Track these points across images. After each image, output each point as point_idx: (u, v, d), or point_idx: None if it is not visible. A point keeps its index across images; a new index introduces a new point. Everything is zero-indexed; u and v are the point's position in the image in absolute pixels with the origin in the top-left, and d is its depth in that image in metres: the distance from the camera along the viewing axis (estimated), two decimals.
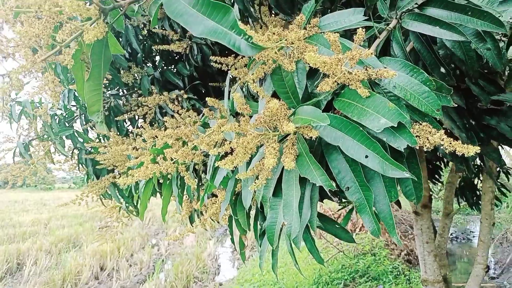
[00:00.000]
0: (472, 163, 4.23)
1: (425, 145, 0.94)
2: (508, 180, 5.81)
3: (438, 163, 4.59)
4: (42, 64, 0.86)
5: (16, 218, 17.69)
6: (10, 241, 13.15)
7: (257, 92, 1.14)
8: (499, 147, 3.34)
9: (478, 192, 4.78)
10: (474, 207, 4.87)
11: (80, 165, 3.53)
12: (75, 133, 3.35)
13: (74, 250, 12.25)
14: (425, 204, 3.69)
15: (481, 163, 3.90)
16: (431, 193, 4.15)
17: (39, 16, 0.93)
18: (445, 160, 4.51)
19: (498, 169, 4.25)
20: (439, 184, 5.03)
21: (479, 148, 0.85)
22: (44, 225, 16.46)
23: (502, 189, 5.06)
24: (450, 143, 0.91)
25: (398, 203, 3.10)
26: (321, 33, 1.17)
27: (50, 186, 46.24)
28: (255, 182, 1.04)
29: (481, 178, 4.19)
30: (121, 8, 1.01)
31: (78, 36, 0.92)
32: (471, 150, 0.87)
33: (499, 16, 1.09)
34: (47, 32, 0.85)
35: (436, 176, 4.65)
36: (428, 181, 4.09)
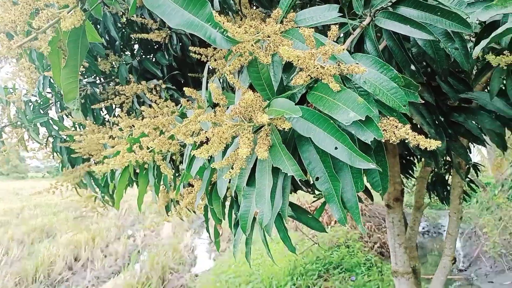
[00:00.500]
0: (443, 159, 4.37)
1: (392, 139, 0.99)
2: (478, 177, 6.02)
3: (411, 158, 4.72)
4: (18, 50, 0.86)
5: None
6: None
7: (234, 83, 1.16)
8: (470, 144, 3.47)
9: (448, 187, 4.93)
10: (444, 201, 5.04)
11: (54, 153, 3.48)
12: (50, 121, 3.29)
13: (47, 240, 12.01)
14: (397, 197, 3.79)
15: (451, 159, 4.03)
16: (404, 187, 4.27)
17: (14, 2, 0.92)
18: (418, 155, 4.64)
19: (467, 165, 4.41)
20: (413, 179, 5.17)
21: (440, 142, 0.90)
22: (17, 214, 16.07)
23: (472, 184, 5.24)
24: (415, 137, 0.96)
25: (370, 196, 3.17)
26: (297, 27, 1.20)
27: (23, 175, 45.08)
28: (229, 172, 1.07)
29: (452, 174, 4.34)
30: None
31: (55, 23, 0.92)
32: (433, 143, 0.92)
33: (467, 18, 1.14)
34: (23, 18, 0.85)
35: (409, 171, 4.79)
36: (401, 175, 4.20)
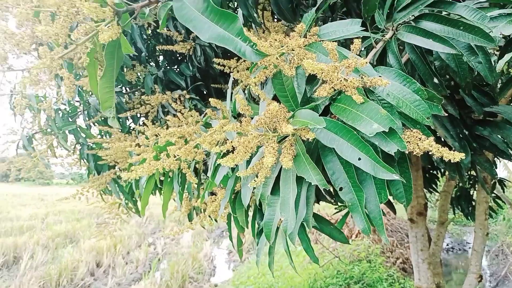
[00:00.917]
0: (468, 173, 4.29)
1: (415, 150, 1.00)
2: (504, 192, 5.85)
3: (435, 172, 4.65)
4: (59, 61, 0.92)
5: (14, 212, 17.70)
6: (7, 234, 13.17)
7: (259, 94, 1.20)
8: (496, 158, 3.41)
9: (473, 203, 4.83)
10: (469, 217, 4.93)
11: (81, 160, 3.59)
12: (78, 128, 3.41)
13: (71, 246, 12.28)
14: (420, 211, 3.74)
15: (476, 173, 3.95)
16: (427, 201, 4.20)
17: (52, 15, 0.99)
18: (442, 169, 4.57)
19: (493, 180, 4.32)
20: (437, 193, 5.09)
21: (463, 154, 0.91)
22: (42, 219, 16.48)
23: (498, 200, 5.11)
24: (438, 149, 0.97)
25: (393, 210, 3.15)
26: (320, 41, 1.23)
27: (48, 181, 46.16)
28: (254, 180, 1.10)
29: (477, 189, 4.25)
30: (134, 11, 1.08)
31: (93, 36, 0.98)
32: (457, 156, 0.93)
33: (490, 32, 1.15)
34: (65, 31, 0.91)
35: (432, 185, 4.71)
36: (424, 189, 4.15)
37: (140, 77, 3.34)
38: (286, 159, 1.01)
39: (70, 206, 18.98)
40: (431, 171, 4.59)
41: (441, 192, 4.54)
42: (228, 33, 0.97)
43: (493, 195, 4.74)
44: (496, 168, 3.61)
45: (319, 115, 1.05)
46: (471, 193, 4.89)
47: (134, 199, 3.46)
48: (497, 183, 4.66)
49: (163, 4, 1.14)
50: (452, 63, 1.37)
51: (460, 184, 4.71)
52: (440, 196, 4.56)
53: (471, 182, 4.76)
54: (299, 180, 1.10)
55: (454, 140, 1.86)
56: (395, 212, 3.16)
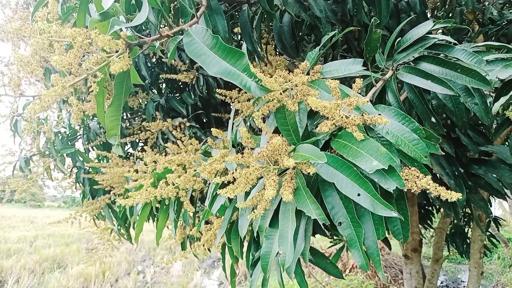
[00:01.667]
0: (463, 211, 4.30)
1: (413, 188, 1.02)
2: (499, 231, 5.84)
3: (430, 208, 4.65)
4: (70, 89, 0.95)
5: (2, 234, 17.31)
6: None
7: (261, 127, 1.23)
8: (491, 197, 3.42)
9: (468, 240, 4.81)
10: (464, 255, 4.90)
11: (77, 183, 3.57)
12: (76, 152, 3.41)
13: (58, 271, 11.96)
14: (415, 248, 3.72)
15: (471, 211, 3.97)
16: (422, 238, 4.19)
17: (68, 46, 1.03)
18: (437, 206, 4.58)
19: (488, 219, 4.32)
20: (431, 230, 5.07)
21: (461, 194, 0.93)
22: (30, 243, 16.12)
23: (492, 239, 5.09)
24: (436, 188, 0.99)
25: (388, 245, 3.14)
26: (323, 78, 1.27)
27: (39, 204, 45.51)
28: (253, 212, 1.11)
29: (472, 226, 4.25)
30: (145, 44, 1.12)
31: (105, 66, 1.02)
32: (454, 195, 0.95)
33: (486, 75, 1.20)
34: (77, 60, 0.95)
35: (428, 221, 4.70)
36: (420, 225, 4.14)
37: (142, 103, 3.37)
38: (286, 192, 1.03)
39: (60, 230, 18.64)
40: (426, 207, 4.59)
41: (436, 228, 4.53)
42: (234, 69, 1.01)
43: (488, 233, 4.73)
44: (491, 206, 3.63)
45: (320, 150, 1.07)
46: (466, 231, 4.88)
47: (126, 225, 3.42)
48: (492, 222, 4.67)
49: (172, 38, 1.19)
50: (449, 103, 1.41)
51: (455, 222, 4.71)
52: (435, 232, 4.54)
53: (465, 219, 4.76)
54: (298, 213, 1.11)
55: (450, 178, 1.88)
56: (390, 248, 3.15)
